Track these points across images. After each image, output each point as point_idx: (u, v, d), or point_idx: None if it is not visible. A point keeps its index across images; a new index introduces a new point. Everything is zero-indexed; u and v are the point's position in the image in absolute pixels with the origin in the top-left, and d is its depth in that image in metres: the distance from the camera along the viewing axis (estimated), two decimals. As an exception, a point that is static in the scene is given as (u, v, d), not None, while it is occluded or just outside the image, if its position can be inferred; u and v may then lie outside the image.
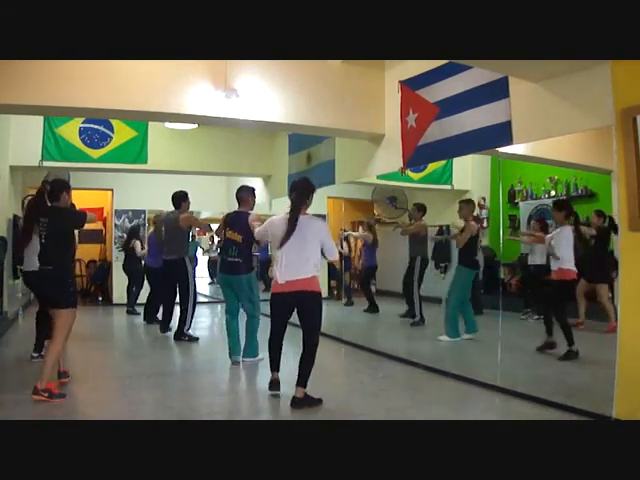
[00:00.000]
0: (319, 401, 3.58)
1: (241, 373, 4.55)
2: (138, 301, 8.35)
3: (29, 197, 9.19)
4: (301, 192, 3.67)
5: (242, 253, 4.67)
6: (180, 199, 6.06)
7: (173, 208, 6.07)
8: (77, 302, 3.90)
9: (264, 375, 4.42)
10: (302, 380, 3.52)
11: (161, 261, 6.37)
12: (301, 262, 3.50)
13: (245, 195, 4.88)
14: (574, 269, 4.66)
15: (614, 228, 4.96)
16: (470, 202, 5.77)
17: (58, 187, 3.85)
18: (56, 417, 3.23)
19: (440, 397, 3.92)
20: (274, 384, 3.73)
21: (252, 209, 4.88)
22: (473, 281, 5.70)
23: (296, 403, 3.50)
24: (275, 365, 3.73)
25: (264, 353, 4.16)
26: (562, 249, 4.67)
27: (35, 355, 4.73)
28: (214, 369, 4.84)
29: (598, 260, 5.07)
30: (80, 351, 4.79)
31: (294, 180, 3.85)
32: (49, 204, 3.83)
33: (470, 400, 3.84)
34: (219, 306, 9.14)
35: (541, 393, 3.59)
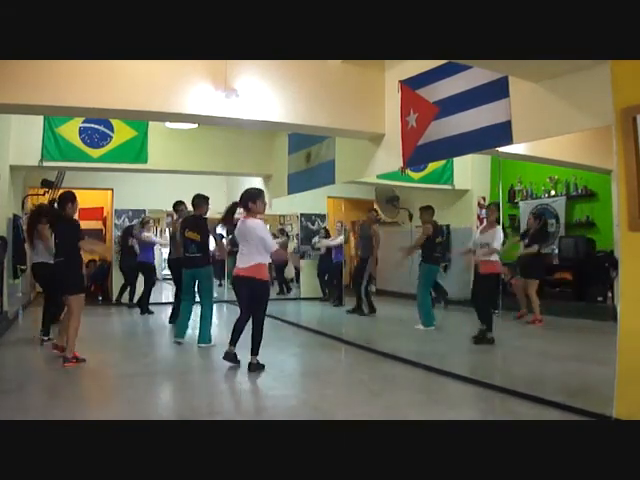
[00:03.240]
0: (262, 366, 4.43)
1: (241, 373, 4.55)
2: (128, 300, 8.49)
3: (29, 197, 9.24)
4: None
5: (201, 249, 5.61)
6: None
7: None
8: (84, 289, 4.89)
9: (265, 375, 4.43)
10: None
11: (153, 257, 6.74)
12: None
13: (200, 202, 5.68)
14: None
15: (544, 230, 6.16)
16: (429, 208, 6.29)
17: (64, 199, 4.66)
18: (56, 417, 3.23)
19: (440, 397, 3.92)
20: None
21: (205, 214, 5.71)
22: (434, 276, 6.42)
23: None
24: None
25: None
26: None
27: (45, 339, 5.34)
28: (214, 369, 4.83)
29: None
30: (80, 351, 4.79)
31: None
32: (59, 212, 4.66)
33: (470, 400, 3.84)
34: (224, 306, 9.14)
35: (541, 393, 3.59)
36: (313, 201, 8.79)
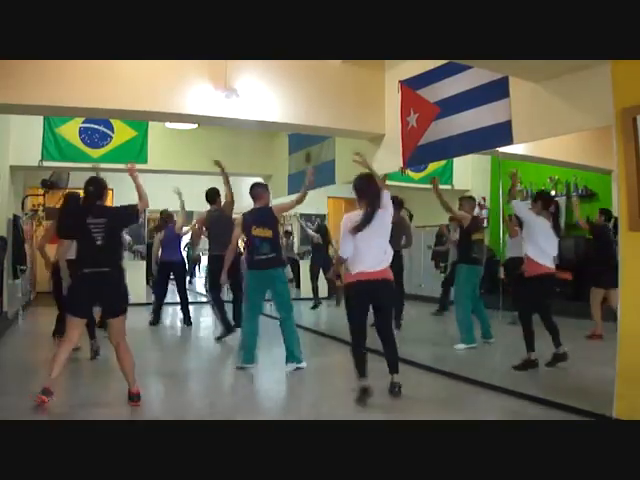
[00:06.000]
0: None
1: (242, 374, 4.54)
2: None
3: (28, 197, 9.23)
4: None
5: (275, 248, 4.55)
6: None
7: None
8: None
9: (265, 375, 4.42)
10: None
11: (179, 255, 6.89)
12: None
13: (261, 191, 4.75)
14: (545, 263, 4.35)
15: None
16: (471, 199, 5.69)
17: (103, 186, 3.91)
18: (56, 417, 3.23)
19: (440, 397, 3.92)
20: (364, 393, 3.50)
21: (268, 204, 4.76)
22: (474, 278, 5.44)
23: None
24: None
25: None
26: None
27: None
28: (216, 369, 4.84)
29: None
30: (79, 351, 4.79)
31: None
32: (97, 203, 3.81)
33: (470, 400, 3.84)
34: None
35: (541, 393, 3.59)
36: (313, 201, 8.78)
